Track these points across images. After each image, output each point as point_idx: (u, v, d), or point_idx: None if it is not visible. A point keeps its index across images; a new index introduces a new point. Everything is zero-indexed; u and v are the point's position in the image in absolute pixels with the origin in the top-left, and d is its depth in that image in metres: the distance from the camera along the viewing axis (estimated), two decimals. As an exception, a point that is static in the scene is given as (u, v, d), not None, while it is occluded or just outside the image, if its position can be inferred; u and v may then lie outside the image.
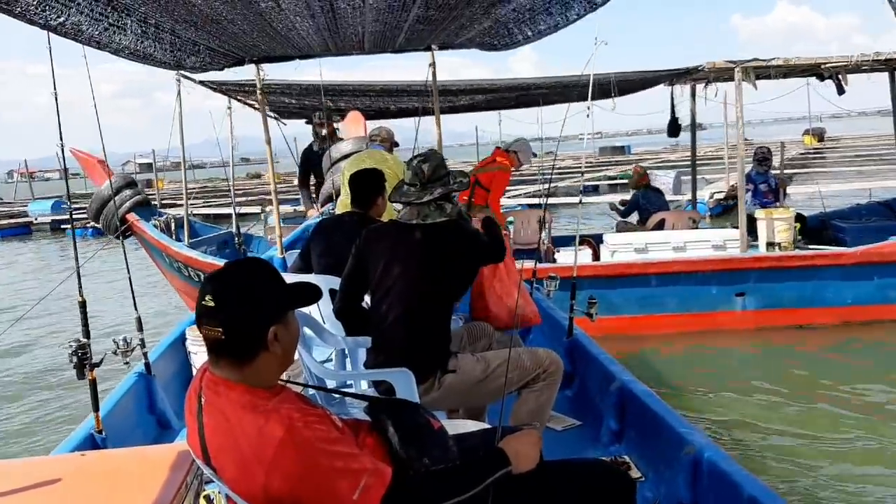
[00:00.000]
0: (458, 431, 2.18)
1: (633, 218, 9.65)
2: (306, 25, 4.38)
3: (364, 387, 3.43)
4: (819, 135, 39.75)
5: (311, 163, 8.99)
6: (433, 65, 6.60)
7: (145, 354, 4.04)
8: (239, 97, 9.85)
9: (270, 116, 10.74)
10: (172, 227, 9.83)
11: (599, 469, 2.13)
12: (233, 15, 3.91)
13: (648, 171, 10.42)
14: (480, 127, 29.98)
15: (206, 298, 1.69)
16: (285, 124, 11.39)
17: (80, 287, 3.33)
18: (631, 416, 3.55)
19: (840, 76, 8.14)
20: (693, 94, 9.78)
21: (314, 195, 9.04)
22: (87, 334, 3.21)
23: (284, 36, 4.70)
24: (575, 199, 14.64)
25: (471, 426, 2.42)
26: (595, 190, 24.26)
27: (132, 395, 3.88)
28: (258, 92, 6.55)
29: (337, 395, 3.01)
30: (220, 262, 7.99)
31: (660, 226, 8.80)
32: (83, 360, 3.07)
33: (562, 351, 4.39)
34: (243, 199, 24.62)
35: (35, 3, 3.00)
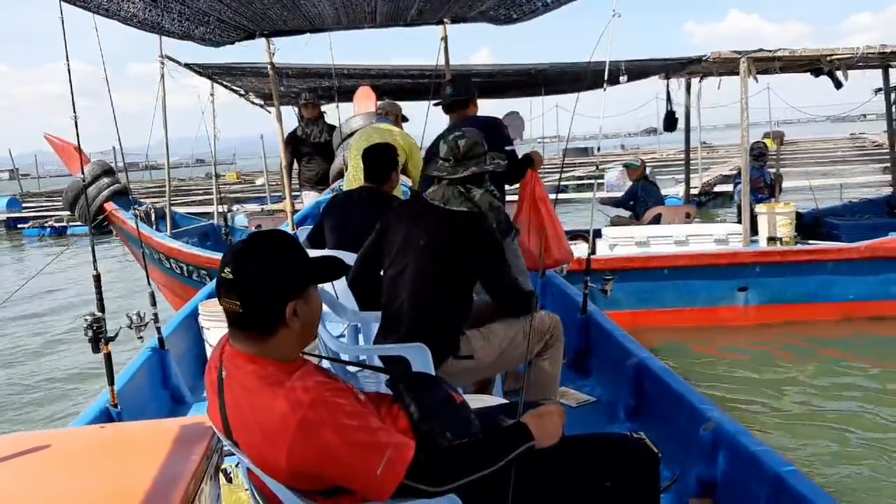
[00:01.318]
0: (478, 405, 2.16)
1: (624, 213, 9.55)
2: (318, -6, 4.32)
3: (377, 362, 3.42)
4: (779, 138, 40.51)
5: (296, 148, 8.66)
6: (445, 38, 6.52)
7: (158, 329, 4.05)
8: (225, 82, 9.58)
9: (255, 104, 10.64)
10: (153, 218, 9.58)
11: (622, 444, 2.12)
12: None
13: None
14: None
15: (226, 270, 1.67)
16: (269, 112, 11.19)
17: (95, 261, 3.32)
18: (648, 392, 3.53)
19: (840, 71, 8.09)
20: (688, 89, 9.68)
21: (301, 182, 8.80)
22: (101, 308, 3.20)
23: (296, 3, 4.63)
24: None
25: (489, 401, 2.41)
26: (565, 190, 24.08)
27: (146, 369, 3.89)
28: (269, 69, 6.48)
29: (351, 370, 2.99)
30: (205, 253, 7.98)
31: (656, 220, 8.75)
32: (98, 334, 3.07)
33: (576, 328, 4.37)
34: (203, 196, 24.06)
35: (45, -30, 2.95)
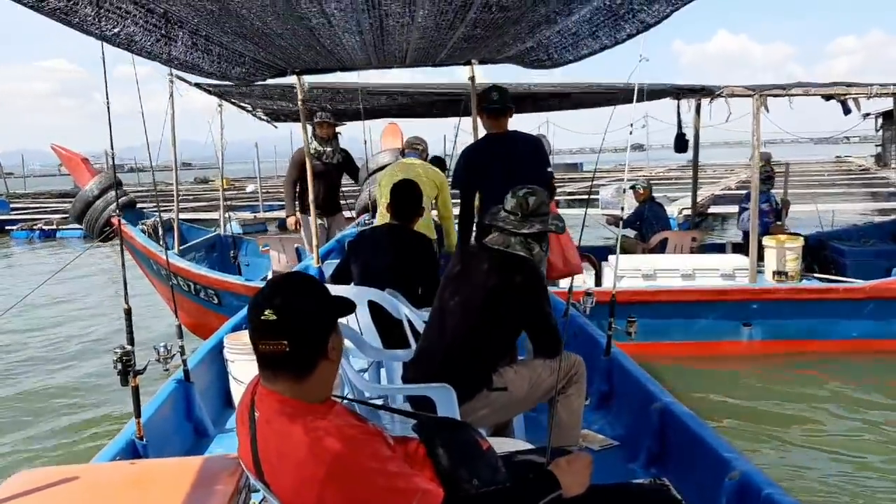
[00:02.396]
0: (504, 450, 2.16)
1: (631, 232, 9.50)
2: (353, 41, 4.42)
3: (400, 401, 3.44)
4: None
5: (305, 167, 8.23)
6: (472, 78, 6.62)
7: (184, 362, 4.08)
8: (233, 100, 9.55)
9: (262, 119, 10.44)
10: (160, 232, 9.21)
11: (647, 493, 2.11)
12: (282, 30, 3.96)
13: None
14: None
15: (267, 313, 1.70)
16: (276, 127, 11.13)
17: (126, 295, 3.37)
18: (671, 438, 3.49)
19: (852, 100, 8.17)
20: (698, 110, 9.71)
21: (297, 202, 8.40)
22: (131, 341, 3.24)
23: (330, 51, 4.75)
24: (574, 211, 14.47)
25: (515, 446, 2.41)
26: (558, 205, 23.98)
27: (171, 401, 3.91)
28: (299, 102, 6.60)
29: (375, 410, 3.02)
30: (213, 274, 7.95)
31: (662, 244, 8.73)
32: (127, 367, 3.11)
33: (600, 370, 4.36)
34: (195, 203, 24.08)
35: (93, 14, 3.05)
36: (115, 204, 8.37)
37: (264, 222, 19.46)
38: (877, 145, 34.30)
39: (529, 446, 2.45)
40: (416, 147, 6.56)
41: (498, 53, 5.44)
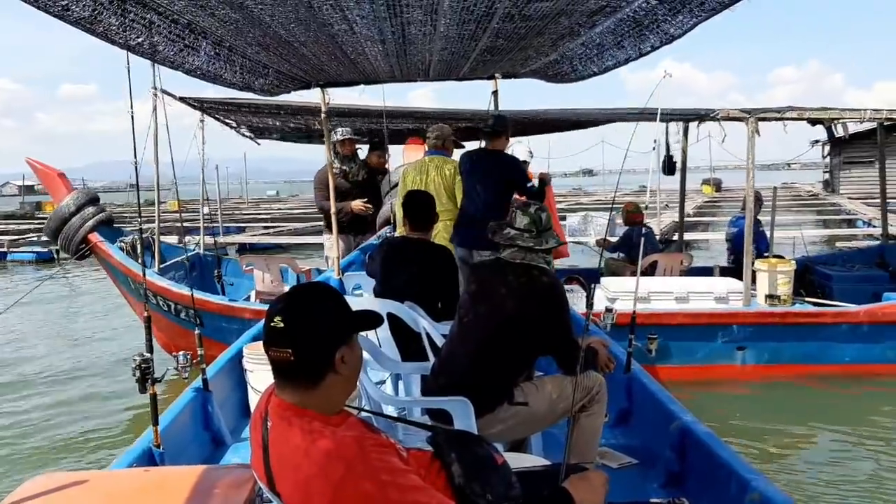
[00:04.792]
0: (519, 466, 2.14)
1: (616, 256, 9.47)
2: (376, 51, 4.44)
3: (418, 413, 3.43)
4: (717, 185, 40.49)
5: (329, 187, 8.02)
6: (496, 92, 6.63)
7: (203, 370, 4.09)
8: (218, 115, 9.30)
9: (245, 136, 10.19)
10: (139, 250, 8.71)
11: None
12: (305, 37, 3.98)
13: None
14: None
15: (276, 320, 1.70)
16: (259, 144, 10.88)
17: (147, 302, 3.39)
18: (691, 457, 3.44)
19: (840, 125, 8.30)
20: (685, 133, 9.67)
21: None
22: (150, 349, 3.26)
23: (353, 61, 4.77)
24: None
25: (530, 461, 2.39)
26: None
27: (189, 410, 3.93)
28: (323, 115, 6.64)
29: (390, 421, 3.01)
30: (196, 294, 7.34)
31: (652, 267, 8.67)
32: (146, 375, 3.12)
33: (619, 387, 4.32)
34: (148, 225, 23.21)
35: (117, 24, 3.09)
36: (92, 220, 8.21)
37: (225, 247, 17.95)
38: (824, 172, 34.82)
39: (545, 462, 2.42)
40: (436, 145, 6.18)
41: (521, 67, 5.45)
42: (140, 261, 7.89)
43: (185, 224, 18.75)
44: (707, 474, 3.24)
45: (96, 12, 2.91)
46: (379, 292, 4.43)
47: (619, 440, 4.14)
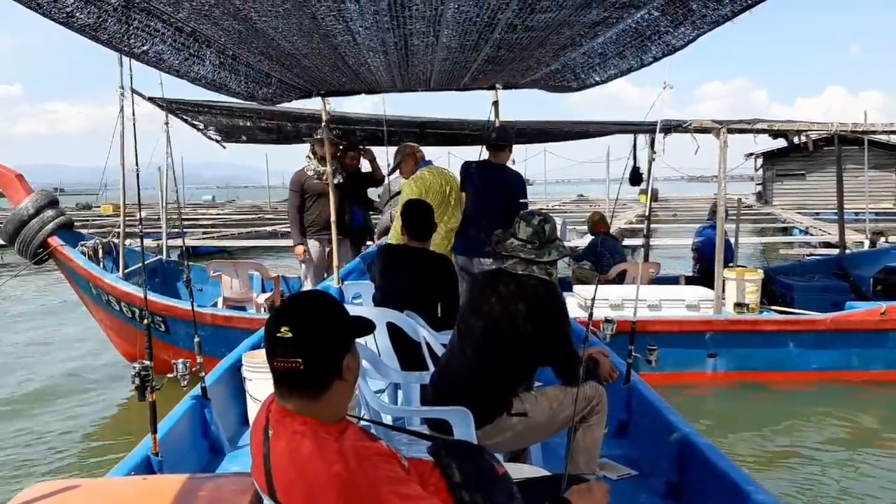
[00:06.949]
0: (520, 476, 2.13)
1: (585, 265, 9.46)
2: (378, 61, 4.45)
3: (417, 423, 3.42)
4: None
5: (305, 189, 7.96)
6: (496, 102, 6.64)
7: (202, 378, 4.08)
8: (186, 117, 8.92)
9: (212, 139, 9.70)
10: (100, 255, 8.61)
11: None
12: (308, 49, 3.99)
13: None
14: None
15: (283, 330, 1.69)
16: (224, 147, 10.27)
17: (146, 310, 3.39)
18: (690, 469, 3.43)
19: (806, 137, 8.85)
20: (652, 145, 9.74)
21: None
22: (150, 357, 3.26)
23: (355, 71, 4.79)
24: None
25: (531, 472, 2.38)
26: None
27: (188, 417, 3.92)
28: (323, 124, 6.64)
29: (390, 431, 3.01)
30: (162, 300, 7.52)
31: (621, 276, 8.73)
32: (145, 382, 3.11)
33: (618, 397, 4.30)
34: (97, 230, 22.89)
35: (122, 32, 3.10)
36: (51, 224, 7.92)
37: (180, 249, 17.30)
38: (757, 184, 35.11)
39: (546, 473, 2.41)
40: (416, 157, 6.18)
41: (522, 77, 5.46)
42: (141, 270, 7.68)
43: (127, 230, 18.32)
44: (707, 486, 3.22)
45: (101, 20, 2.92)
46: (378, 300, 4.43)
47: (618, 451, 4.12)
